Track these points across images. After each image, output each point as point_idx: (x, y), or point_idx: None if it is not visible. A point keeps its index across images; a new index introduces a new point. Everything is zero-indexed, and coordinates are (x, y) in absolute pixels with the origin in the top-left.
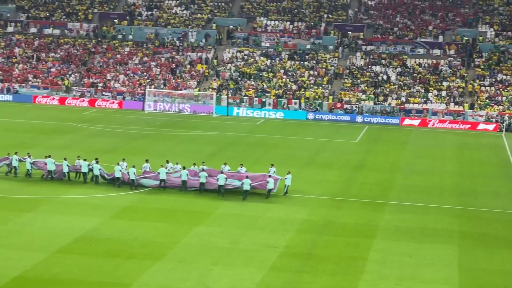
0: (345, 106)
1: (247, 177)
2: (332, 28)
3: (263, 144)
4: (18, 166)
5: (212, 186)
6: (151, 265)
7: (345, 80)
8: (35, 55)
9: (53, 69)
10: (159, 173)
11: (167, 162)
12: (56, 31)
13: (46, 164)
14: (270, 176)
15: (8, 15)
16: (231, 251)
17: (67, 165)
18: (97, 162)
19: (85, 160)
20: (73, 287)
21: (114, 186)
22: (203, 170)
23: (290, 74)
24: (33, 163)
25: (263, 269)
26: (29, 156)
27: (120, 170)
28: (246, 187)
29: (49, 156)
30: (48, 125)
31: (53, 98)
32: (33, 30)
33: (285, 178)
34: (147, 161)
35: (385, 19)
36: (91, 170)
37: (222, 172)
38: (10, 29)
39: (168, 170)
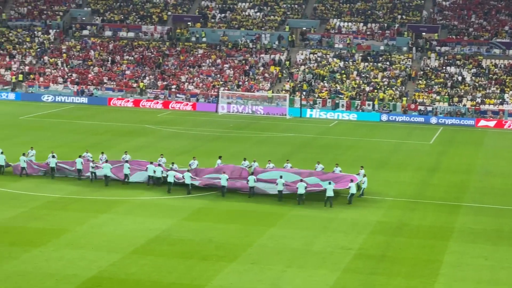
0: (419, 107)
1: (301, 180)
2: (405, 29)
3: (336, 146)
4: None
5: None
6: (225, 267)
7: (419, 81)
8: (110, 58)
9: (127, 72)
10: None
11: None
12: (131, 34)
13: (75, 163)
14: (352, 180)
15: (84, 18)
16: (305, 253)
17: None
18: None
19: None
20: (148, 287)
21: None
22: (251, 173)
23: (363, 75)
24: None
25: (336, 271)
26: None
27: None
28: (301, 190)
29: (89, 157)
30: (123, 127)
31: (128, 100)
32: (108, 33)
33: (363, 182)
34: (194, 158)
35: (460, 20)
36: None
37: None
38: (85, 32)
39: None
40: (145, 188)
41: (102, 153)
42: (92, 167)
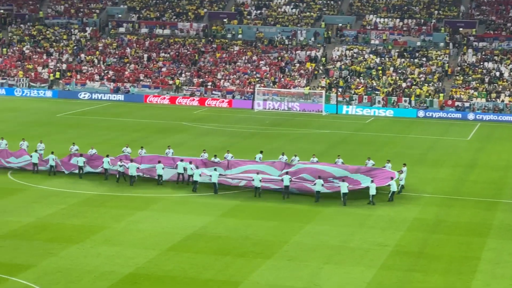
0: (456, 103)
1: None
2: (442, 25)
3: (372, 142)
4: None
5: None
6: (262, 263)
7: (456, 77)
8: (146, 55)
9: (163, 69)
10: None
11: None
12: (167, 31)
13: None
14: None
15: (120, 16)
16: (342, 250)
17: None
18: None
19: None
20: (185, 284)
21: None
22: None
23: (400, 71)
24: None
25: (373, 268)
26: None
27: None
28: (318, 188)
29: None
30: (159, 124)
31: (164, 98)
32: (144, 30)
33: (401, 179)
34: (228, 151)
35: (498, 15)
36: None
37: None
38: (121, 29)
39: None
40: (181, 185)
41: (142, 147)
42: (120, 166)
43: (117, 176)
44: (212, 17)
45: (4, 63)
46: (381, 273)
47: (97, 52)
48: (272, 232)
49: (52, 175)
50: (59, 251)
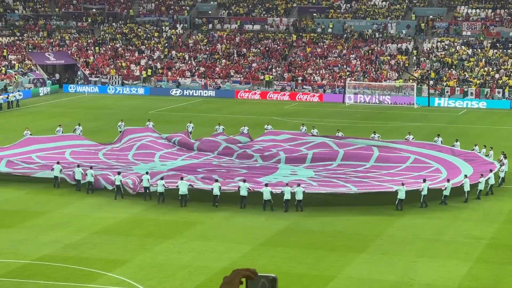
0: None
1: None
2: None
3: (466, 135)
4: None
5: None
6: (355, 257)
7: None
8: (236, 51)
9: (254, 64)
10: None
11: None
12: (257, 27)
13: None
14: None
15: (210, 12)
16: (436, 243)
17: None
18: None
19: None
20: (278, 278)
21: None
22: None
23: (492, 63)
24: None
25: (468, 261)
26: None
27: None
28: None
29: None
30: (250, 119)
31: (255, 93)
32: (234, 26)
33: (501, 171)
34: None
35: None
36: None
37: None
38: (212, 26)
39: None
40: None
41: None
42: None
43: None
44: (301, 12)
45: (97, 61)
46: (476, 266)
47: (183, 48)
48: (364, 226)
49: (91, 192)
50: (153, 246)
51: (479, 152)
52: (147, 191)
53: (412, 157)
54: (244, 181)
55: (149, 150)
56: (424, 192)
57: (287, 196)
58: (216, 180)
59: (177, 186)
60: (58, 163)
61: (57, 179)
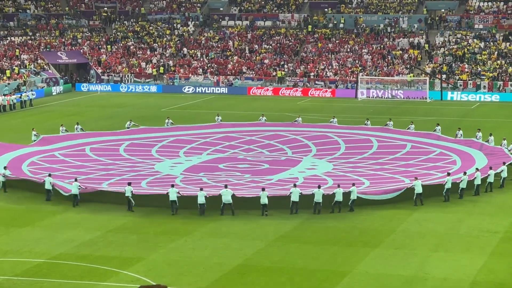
0: None
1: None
2: None
3: (480, 128)
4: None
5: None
6: (370, 252)
7: None
8: (247, 48)
9: (266, 61)
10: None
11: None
12: (268, 23)
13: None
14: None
15: (221, 9)
16: (450, 237)
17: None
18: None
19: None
20: (293, 274)
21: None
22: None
23: (505, 55)
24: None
25: (483, 255)
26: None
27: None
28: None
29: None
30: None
31: (267, 89)
32: (245, 22)
33: (502, 170)
34: (299, 116)
35: None
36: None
37: None
38: (223, 22)
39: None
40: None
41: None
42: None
43: None
44: (313, 7)
45: (109, 59)
46: (491, 260)
47: (193, 45)
48: (379, 221)
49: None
50: (167, 243)
51: (507, 148)
52: (130, 203)
53: (438, 150)
54: (263, 189)
55: (175, 143)
56: (448, 186)
57: (295, 198)
58: (226, 186)
59: (197, 195)
60: (49, 175)
61: (50, 192)
